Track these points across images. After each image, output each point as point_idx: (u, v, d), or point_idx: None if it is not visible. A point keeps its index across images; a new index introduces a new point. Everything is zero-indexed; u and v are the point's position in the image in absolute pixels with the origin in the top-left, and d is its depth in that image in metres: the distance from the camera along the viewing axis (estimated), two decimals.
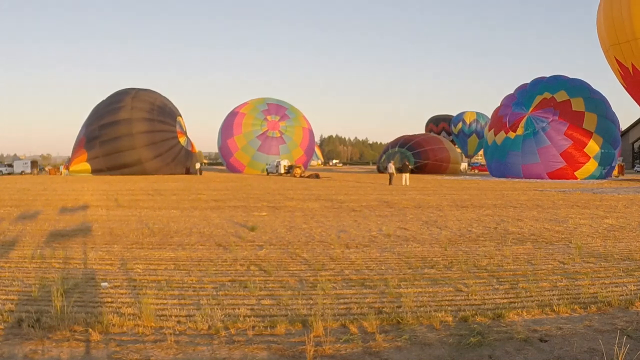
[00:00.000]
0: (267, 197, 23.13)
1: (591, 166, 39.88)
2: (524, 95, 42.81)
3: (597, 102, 40.65)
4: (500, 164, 42.55)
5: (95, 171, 49.76)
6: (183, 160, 53.15)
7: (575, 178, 39.60)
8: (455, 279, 7.50)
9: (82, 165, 50.26)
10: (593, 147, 39.61)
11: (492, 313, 5.78)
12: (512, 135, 41.36)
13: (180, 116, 55.53)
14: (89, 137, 50.06)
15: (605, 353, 4.57)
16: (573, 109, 40.06)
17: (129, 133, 48.66)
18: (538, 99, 41.70)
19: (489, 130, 46.20)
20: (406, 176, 35.49)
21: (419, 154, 57.11)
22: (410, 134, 63.57)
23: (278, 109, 62.45)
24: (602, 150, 39.69)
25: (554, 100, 40.91)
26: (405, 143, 59.25)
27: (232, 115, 62.22)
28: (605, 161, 40.30)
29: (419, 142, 58.76)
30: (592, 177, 40.06)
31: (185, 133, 54.98)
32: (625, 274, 7.81)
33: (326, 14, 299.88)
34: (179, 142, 52.68)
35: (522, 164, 40.32)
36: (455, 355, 4.64)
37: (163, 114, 52.18)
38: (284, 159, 57.26)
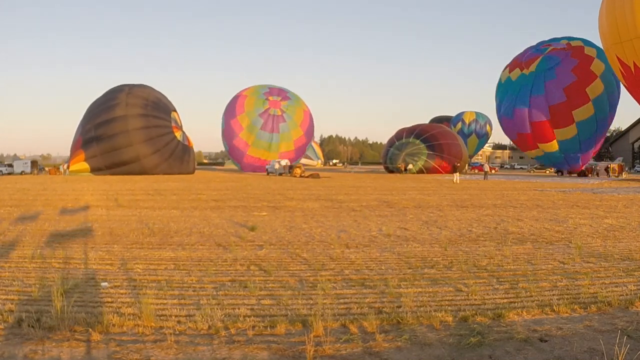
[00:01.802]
0: (267, 197, 23.13)
1: (587, 111, 42.07)
2: (543, 44, 47.00)
3: (607, 62, 41.07)
4: (511, 97, 45.73)
5: (94, 170, 49.72)
6: (180, 155, 52.98)
7: (572, 120, 42.30)
8: (455, 279, 7.50)
9: (81, 164, 50.20)
10: (596, 88, 41.84)
11: (492, 313, 5.78)
12: (526, 72, 45.33)
13: (175, 111, 55.36)
14: (85, 137, 49.96)
15: (605, 353, 4.57)
16: (585, 53, 43.55)
17: (125, 130, 48.50)
18: (556, 46, 45.57)
19: (504, 70, 49.06)
20: (457, 175, 38.48)
21: (433, 147, 55.01)
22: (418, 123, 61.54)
23: (280, 91, 64.55)
24: (601, 101, 41.82)
25: (569, 45, 44.98)
26: (421, 134, 56.60)
27: (235, 97, 64.13)
28: (601, 112, 42.37)
29: (435, 135, 56.45)
30: (587, 123, 42.36)
31: (180, 127, 54.86)
32: (625, 274, 7.81)
33: (326, 14, 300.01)
34: (175, 137, 52.51)
35: (530, 95, 43.84)
36: (455, 355, 4.64)
37: (157, 109, 52.04)
38: (283, 140, 59.51)
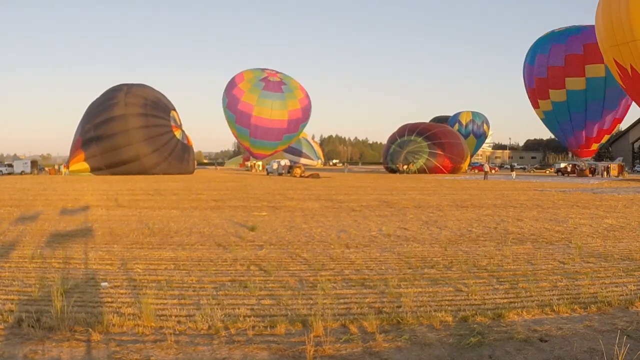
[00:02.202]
0: (267, 197, 23.13)
1: (598, 70, 46.38)
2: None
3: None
4: (536, 47, 52.27)
5: (95, 170, 49.68)
6: (180, 153, 52.84)
7: (583, 73, 47.36)
8: (455, 279, 7.50)
9: (81, 164, 50.19)
10: (608, 59, 45.75)
11: (492, 313, 5.78)
12: (556, 30, 51.58)
13: (175, 110, 55.35)
14: (84, 137, 49.91)
15: (605, 353, 4.57)
16: None
17: (125, 129, 48.43)
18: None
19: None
20: (514, 173, 47.54)
21: (435, 146, 54.17)
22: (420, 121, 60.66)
23: (273, 70, 71.43)
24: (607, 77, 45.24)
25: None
26: (423, 132, 55.62)
27: (234, 76, 70.11)
28: (611, 80, 44.95)
29: (437, 133, 55.62)
30: (596, 82, 46.93)
31: (180, 127, 54.81)
32: (625, 274, 7.81)
33: (326, 14, 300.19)
34: (174, 135, 52.39)
35: (553, 43, 50.02)
36: (455, 355, 4.64)
37: (157, 109, 52.01)
38: (289, 98, 65.29)
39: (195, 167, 59.93)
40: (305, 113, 67.58)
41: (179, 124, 54.94)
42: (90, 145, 49.32)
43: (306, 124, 69.98)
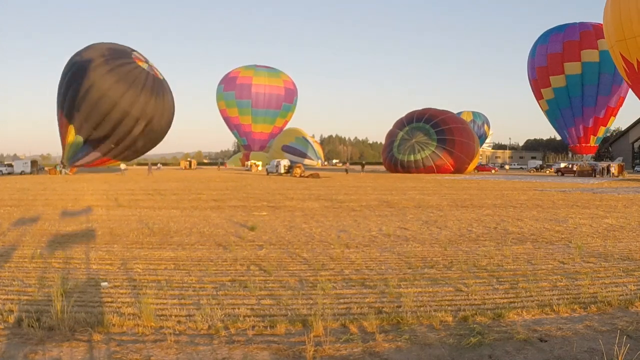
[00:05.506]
0: (267, 197, 23.12)
1: (593, 55, 50.44)
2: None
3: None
4: (538, 41, 56.08)
5: (86, 136, 49.22)
6: (152, 84, 51.29)
7: (579, 58, 51.62)
8: (455, 279, 7.50)
9: (73, 137, 49.81)
10: (603, 45, 48.99)
11: (492, 313, 5.78)
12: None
13: (135, 51, 54.68)
14: (63, 107, 49.57)
15: (605, 353, 4.57)
16: None
17: (92, 83, 48.01)
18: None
19: None
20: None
21: (444, 141, 51.38)
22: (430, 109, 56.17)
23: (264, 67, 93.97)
24: (608, 55, 47.77)
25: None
26: (438, 124, 52.09)
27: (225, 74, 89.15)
28: (605, 66, 49.67)
29: (452, 129, 52.43)
30: (591, 67, 50.94)
31: (146, 61, 53.70)
32: (625, 274, 7.81)
33: (326, 13, 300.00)
34: (138, 65, 51.50)
35: (552, 34, 54.01)
36: (455, 355, 4.64)
37: (116, 53, 51.78)
38: (279, 75, 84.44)
39: (173, 99, 58.46)
40: (289, 94, 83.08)
41: (143, 58, 54.13)
42: (73, 114, 49.04)
43: (291, 107, 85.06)
